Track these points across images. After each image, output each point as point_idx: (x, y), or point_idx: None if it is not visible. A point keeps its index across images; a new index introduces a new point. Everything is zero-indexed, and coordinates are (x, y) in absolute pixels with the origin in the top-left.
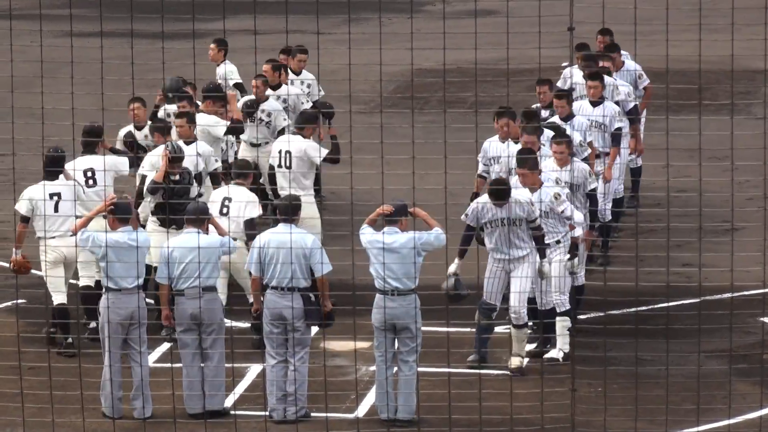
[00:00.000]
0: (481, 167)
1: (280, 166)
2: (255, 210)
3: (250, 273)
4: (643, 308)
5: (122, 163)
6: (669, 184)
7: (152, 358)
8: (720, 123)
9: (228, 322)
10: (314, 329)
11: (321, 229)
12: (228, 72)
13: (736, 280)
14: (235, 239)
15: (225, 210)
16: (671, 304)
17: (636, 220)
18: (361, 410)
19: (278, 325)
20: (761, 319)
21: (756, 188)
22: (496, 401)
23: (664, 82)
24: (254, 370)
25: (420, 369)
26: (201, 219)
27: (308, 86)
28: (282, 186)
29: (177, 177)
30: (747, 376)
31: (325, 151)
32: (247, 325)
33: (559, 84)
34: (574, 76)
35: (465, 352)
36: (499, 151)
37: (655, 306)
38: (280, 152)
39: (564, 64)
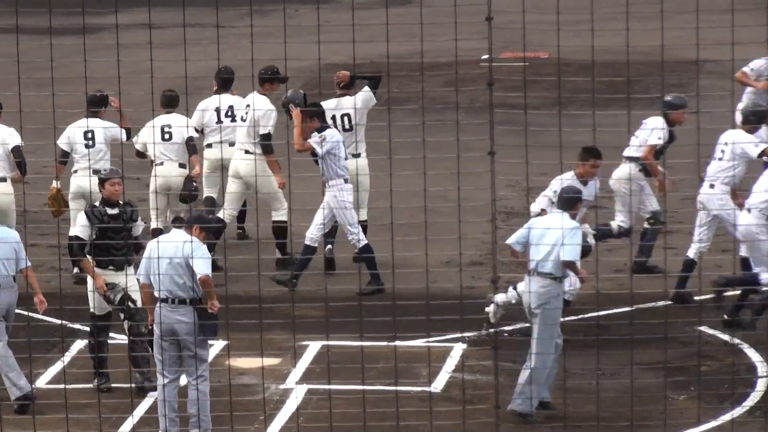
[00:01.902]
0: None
1: (344, 129)
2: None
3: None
4: (572, 318)
5: (14, 136)
6: (598, 185)
7: None
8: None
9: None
10: (217, 344)
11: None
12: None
13: (670, 287)
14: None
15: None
16: (602, 313)
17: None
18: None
19: (170, 341)
20: (698, 328)
21: (692, 188)
22: (417, 420)
23: (590, 75)
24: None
25: (334, 387)
26: None
27: None
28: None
29: (115, 210)
30: (684, 389)
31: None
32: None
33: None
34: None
35: (380, 367)
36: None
37: (585, 315)
38: (333, 117)
39: (484, 57)
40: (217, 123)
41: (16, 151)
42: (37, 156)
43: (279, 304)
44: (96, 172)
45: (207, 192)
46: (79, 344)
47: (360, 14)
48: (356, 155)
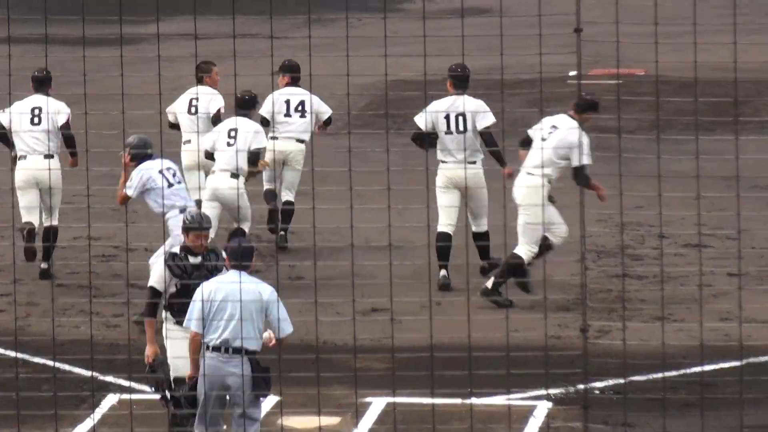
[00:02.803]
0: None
1: (449, 131)
2: (261, 140)
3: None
4: (672, 373)
5: (64, 109)
6: (701, 220)
7: None
8: (762, 144)
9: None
10: (268, 400)
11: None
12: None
13: None
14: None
15: (231, 141)
16: (706, 368)
17: (661, 264)
18: None
19: (218, 396)
20: None
21: None
22: None
23: (692, 95)
24: None
25: None
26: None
27: None
28: (449, 149)
29: (197, 259)
30: None
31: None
32: None
33: None
34: None
35: (454, 429)
36: None
37: (687, 371)
38: (447, 117)
39: (571, 73)
40: (285, 116)
41: (65, 128)
42: (68, 183)
43: (338, 355)
44: (182, 210)
45: (267, 185)
46: (112, 399)
47: (431, 24)
48: (472, 162)
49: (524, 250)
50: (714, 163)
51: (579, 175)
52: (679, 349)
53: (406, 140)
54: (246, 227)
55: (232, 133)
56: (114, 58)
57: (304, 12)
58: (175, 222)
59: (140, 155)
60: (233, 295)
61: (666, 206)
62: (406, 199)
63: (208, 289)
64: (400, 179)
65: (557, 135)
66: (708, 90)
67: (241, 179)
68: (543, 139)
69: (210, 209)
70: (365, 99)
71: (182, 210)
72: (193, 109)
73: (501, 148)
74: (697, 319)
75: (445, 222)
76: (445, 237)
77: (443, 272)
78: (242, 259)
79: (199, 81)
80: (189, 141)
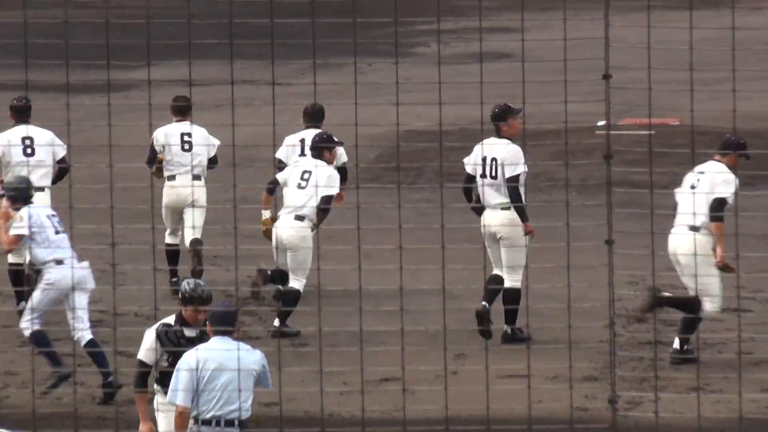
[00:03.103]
0: None
1: (484, 175)
2: (335, 186)
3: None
4: None
5: (59, 144)
6: (740, 282)
7: None
8: None
9: None
10: None
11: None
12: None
13: None
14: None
15: (303, 183)
16: None
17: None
18: None
19: None
20: None
21: None
22: None
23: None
24: None
25: None
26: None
27: None
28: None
29: (194, 333)
30: None
31: None
32: None
33: None
34: None
35: None
36: None
37: None
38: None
39: (600, 123)
40: (300, 155)
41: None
42: None
43: (345, 429)
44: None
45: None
46: None
47: (447, 70)
48: (505, 207)
49: (709, 305)
50: (755, 220)
51: (715, 208)
52: (716, 422)
53: (420, 195)
54: (299, 283)
55: (306, 176)
56: (101, 106)
57: (309, 57)
58: (51, 275)
59: (22, 196)
60: (227, 364)
61: None
62: (420, 260)
63: (197, 359)
64: (412, 238)
65: (706, 179)
66: (748, 142)
67: (307, 223)
68: (692, 187)
69: (282, 257)
70: (375, 151)
71: (59, 262)
72: (186, 146)
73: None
74: (735, 389)
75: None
76: (496, 279)
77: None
78: (225, 324)
79: (184, 113)
80: (173, 177)
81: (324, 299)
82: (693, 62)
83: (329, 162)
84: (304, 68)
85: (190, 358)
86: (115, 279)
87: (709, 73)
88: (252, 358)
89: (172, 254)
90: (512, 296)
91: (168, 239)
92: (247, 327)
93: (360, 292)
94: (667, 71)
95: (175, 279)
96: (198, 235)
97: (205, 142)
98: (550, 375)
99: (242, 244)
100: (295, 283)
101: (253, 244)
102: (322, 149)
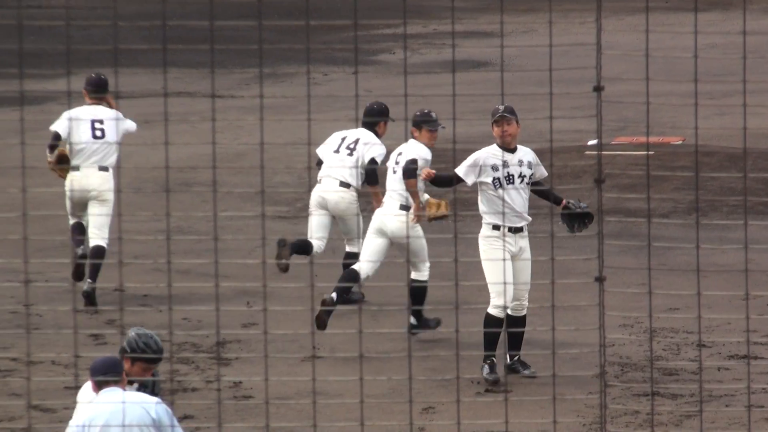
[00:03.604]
0: None
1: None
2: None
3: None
4: None
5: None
6: (750, 326)
7: None
8: None
9: None
10: None
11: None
12: None
13: None
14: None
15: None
16: None
17: (700, 380)
18: None
19: None
20: None
21: None
22: None
23: (740, 170)
24: None
25: None
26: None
27: None
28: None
29: (134, 386)
30: None
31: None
32: None
33: None
34: None
35: None
36: None
37: None
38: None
39: (591, 142)
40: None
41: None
42: None
43: None
44: None
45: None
46: None
47: (415, 80)
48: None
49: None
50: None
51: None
52: None
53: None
54: (422, 275)
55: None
56: (13, 121)
57: (255, 65)
58: None
59: None
60: (115, 419)
61: (707, 308)
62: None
63: (85, 415)
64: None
65: None
66: (761, 164)
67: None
68: None
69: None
70: None
71: None
72: (98, 133)
73: None
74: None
75: (500, 303)
76: (497, 322)
77: (488, 365)
78: (108, 374)
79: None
80: (78, 168)
81: (272, 344)
82: (698, 72)
83: (380, 136)
84: (248, 78)
85: (79, 417)
86: (29, 321)
87: (716, 84)
88: (140, 411)
89: (77, 226)
90: (519, 324)
91: (71, 220)
92: (182, 377)
93: (312, 339)
94: (667, 83)
95: (81, 248)
96: (104, 238)
97: (116, 128)
98: (536, 431)
99: (176, 281)
100: (419, 275)
101: (189, 281)
102: (374, 123)
